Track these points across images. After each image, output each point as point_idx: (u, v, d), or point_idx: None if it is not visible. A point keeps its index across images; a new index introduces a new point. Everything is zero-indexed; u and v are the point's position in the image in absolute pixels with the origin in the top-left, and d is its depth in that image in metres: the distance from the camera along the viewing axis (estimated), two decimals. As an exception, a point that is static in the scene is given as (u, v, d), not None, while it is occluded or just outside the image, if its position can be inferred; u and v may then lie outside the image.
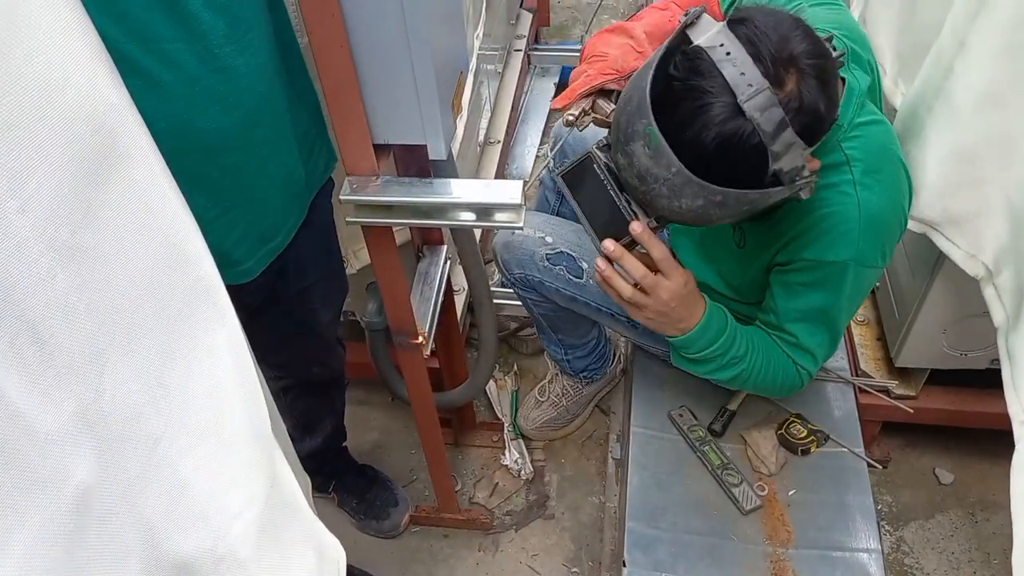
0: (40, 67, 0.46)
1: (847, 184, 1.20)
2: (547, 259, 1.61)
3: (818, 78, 1.03)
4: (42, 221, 0.47)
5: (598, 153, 1.17)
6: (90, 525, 0.54)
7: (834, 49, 1.09)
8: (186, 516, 0.63)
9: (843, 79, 1.20)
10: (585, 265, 1.60)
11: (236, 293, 1.17)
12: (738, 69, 1.00)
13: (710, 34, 1.03)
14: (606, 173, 1.16)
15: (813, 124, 1.05)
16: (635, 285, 1.22)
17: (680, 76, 1.04)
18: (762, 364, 1.35)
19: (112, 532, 0.56)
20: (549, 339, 1.88)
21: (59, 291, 0.49)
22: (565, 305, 1.67)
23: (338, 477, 1.92)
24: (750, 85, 1.00)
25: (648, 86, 1.04)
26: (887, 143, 1.25)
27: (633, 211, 1.16)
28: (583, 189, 1.20)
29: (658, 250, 1.19)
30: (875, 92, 1.31)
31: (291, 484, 0.80)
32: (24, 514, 0.47)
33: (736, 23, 1.04)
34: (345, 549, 0.89)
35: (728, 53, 1.01)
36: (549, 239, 1.63)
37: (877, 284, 1.95)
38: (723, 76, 1.00)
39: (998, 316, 1.22)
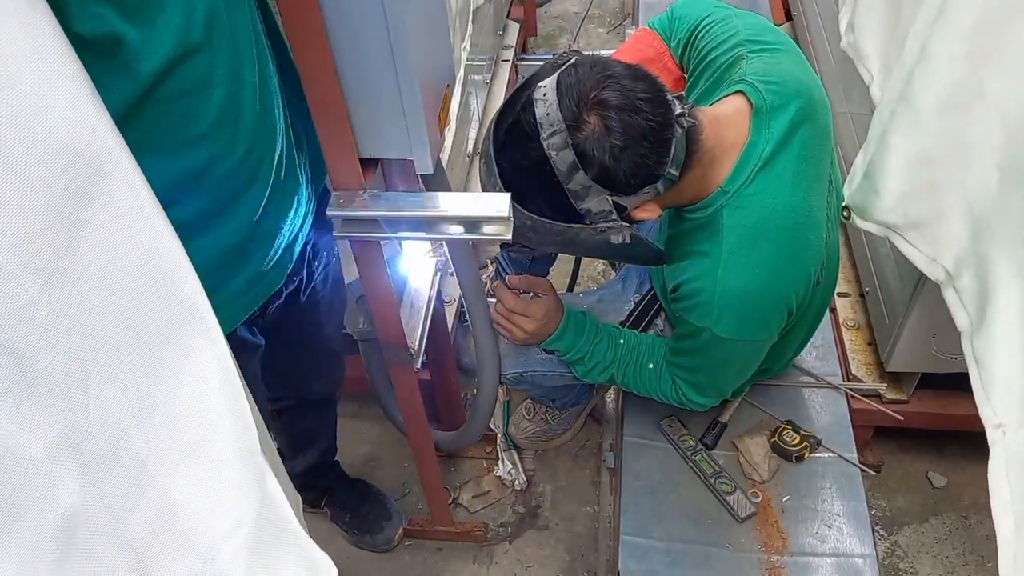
0: (16, 94, 0.46)
1: (715, 255, 1.20)
2: (544, 349, 1.56)
3: (623, 132, 1.07)
4: (23, 245, 0.47)
5: None
6: (75, 551, 0.53)
7: (683, 105, 1.10)
8: (174, 539, 0.62)
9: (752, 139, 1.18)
10: None
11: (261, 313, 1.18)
12: (546, 109, 1.08)
13: (551, 75, 1.11)
14: None
15: (604, 176, 1.09)
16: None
17: (520, 108, 1.13)
18: (635, 375, 1.45)
19: (98, 557, 0.55)
20: (536, 397, 1.89)
21: (41, 314, 0.49)
22: (560, 384, 1.66)
23: (330, 492, 1.91)
24: (551, 125, 1.07)
25: (499, 111, 1.15)
26: (774, 217, 1.19)
27: None
28: None
29: (526, 282, 1.49)
30: (802, 143, 1.21)
31: (282, 503, 0.79)
32: (6, 543, 0.46)
33: (568, 67, 1.11)
34: (338, 564, 0.89)
35: (544, 94, 1.09)
36: None
37: (867, 289, 1.96)
38: (535, 113, 1.09)
39: (961, 320, 1.20)
